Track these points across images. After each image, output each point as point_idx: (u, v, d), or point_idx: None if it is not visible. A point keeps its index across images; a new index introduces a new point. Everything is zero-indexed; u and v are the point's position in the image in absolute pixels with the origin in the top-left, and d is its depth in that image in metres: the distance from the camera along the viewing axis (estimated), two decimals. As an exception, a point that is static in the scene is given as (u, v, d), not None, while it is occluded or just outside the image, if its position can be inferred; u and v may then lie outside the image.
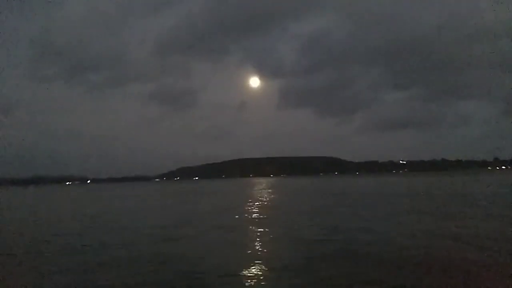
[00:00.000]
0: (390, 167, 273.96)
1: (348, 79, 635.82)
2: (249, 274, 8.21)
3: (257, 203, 29.87)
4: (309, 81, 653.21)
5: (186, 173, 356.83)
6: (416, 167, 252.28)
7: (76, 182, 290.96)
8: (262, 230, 14.74)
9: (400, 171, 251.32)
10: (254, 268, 8.70)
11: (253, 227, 15.58)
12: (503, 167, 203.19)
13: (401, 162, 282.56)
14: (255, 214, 20.92)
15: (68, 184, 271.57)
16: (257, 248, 11.13)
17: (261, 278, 7.92)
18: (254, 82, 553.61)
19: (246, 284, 7.55)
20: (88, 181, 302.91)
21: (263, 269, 8.60)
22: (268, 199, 35.72)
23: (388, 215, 18.37)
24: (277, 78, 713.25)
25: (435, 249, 10.47)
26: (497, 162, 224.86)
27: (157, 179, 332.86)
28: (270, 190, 54.19)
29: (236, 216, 20.12)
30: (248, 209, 24.63)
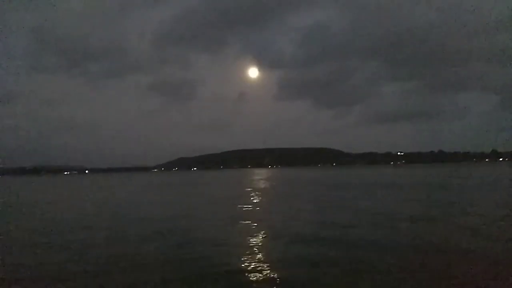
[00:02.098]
0: (388, 158, 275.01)
1: (346, 71, 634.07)
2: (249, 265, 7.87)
3: (256, 193, 29.59)
4: (308, 73, 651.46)
5: (184, 163, 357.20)
6: (413, 159, 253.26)
7: (74, 172, 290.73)
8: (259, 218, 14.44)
9: (398, 163, 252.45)
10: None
11: (250, 214, 15.27)
12: (501, 159, 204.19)
13: (399, 154, 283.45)
14: (254, 204, 20.64)
15: (66, 174, 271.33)
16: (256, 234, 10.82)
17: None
18: (253, 73, 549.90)
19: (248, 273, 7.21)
20: (86, 171, 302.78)
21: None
22: (266, 190, 35.47)
23: (385, 204, 18.12)
24: (275, 70, 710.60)
25: (428, 236, 10.56)
26: (495, 154, 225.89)
27: (155, 170, 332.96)
28: (268, 182, 54.01)
29: (236, 205, 19.83)
30: (247, 198, 24.35)
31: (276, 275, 7.22)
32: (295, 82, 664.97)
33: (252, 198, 24.69)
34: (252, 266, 7.79)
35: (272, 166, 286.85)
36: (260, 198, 25.19)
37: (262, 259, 8.41)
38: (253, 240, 10.48)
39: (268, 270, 7.51)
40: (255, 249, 9.43)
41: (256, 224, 13.38)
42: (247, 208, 18.71)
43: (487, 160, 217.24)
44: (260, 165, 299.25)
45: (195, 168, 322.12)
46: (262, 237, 10.96)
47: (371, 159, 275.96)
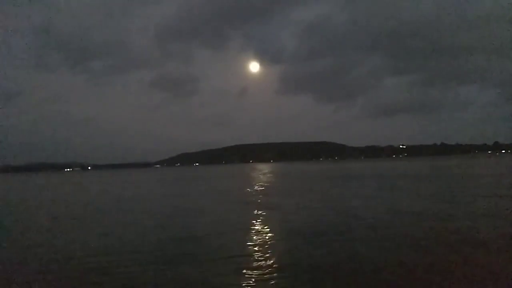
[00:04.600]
0: (390, 151, 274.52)
1: (348, 65, 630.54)
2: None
3: (259, 188, 29.59)
4: (310, 66, 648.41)
5: (186, 159, 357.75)
6: (416, 151, 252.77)
7: (77, 169, 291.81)
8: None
9: (400, 156, 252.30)
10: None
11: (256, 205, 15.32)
12: (503, 151, 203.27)
13: (401, 146, 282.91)
14: (261, 196, 20.67)
15: (68, 170, 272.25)
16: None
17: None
18: (254, 67, 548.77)
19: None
20: (89, 168, 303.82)
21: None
22: (269, 184, 35.47)
23: (386, 195, 18.10)
24: (277, 64, 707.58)
25: (427, 226, 10.58)
26: (497, 146, 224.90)
27: (158, 165, 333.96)
28: (272, 176, 54.02)
29: (238, 199, 19.89)
30: (254, 192, 24.37)
31: (281, 264, 7.36)
32: (296, 76, 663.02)
33: (258, 191, 24.70)
34: (258, 254, 7.87)
35: (274, 161, 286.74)
36: (267, 190, 25.18)
37: (269, 249, 8.48)
38: (263, 228, 10.53)
39: (275, 258, 7.60)
40: (263, 238, 9.49)
41: (268, 214, 13.41)
42: (255, 201, 18.74)
43: (489, 152, 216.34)
44: (262, 160, 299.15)
45: (197, 164, 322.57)
46: (273, 227, 10.98)
47: (373, 152, 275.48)
